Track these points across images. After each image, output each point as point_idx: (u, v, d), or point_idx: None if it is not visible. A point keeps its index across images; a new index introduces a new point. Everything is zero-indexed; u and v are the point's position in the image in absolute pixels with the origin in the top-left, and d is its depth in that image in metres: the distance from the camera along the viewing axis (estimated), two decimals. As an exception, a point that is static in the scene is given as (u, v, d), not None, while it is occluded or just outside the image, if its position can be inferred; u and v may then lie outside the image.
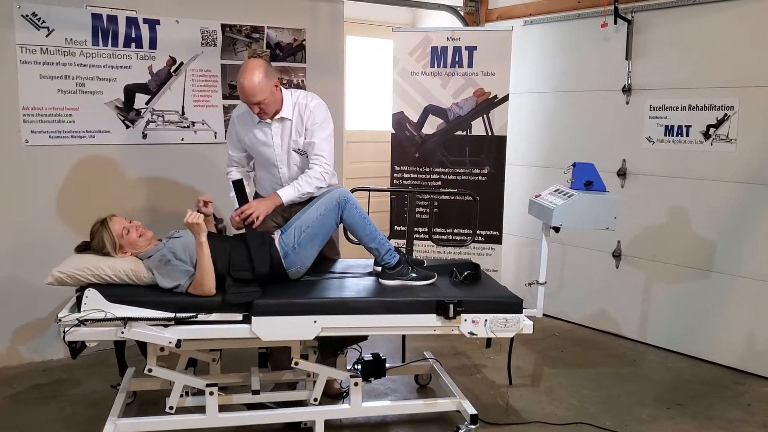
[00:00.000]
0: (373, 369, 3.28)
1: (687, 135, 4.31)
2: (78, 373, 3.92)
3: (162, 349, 2.97)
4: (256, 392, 3.19)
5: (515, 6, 5.31)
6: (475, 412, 3.16)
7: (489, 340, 3.15)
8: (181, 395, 3.08)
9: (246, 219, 3.10)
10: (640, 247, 4.63)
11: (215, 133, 4.57)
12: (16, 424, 3.33)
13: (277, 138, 3.31)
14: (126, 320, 2.79)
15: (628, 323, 4.72)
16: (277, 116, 3.26)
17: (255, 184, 3.56)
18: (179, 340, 2.83)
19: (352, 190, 3.36)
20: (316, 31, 4.87)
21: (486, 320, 3.03)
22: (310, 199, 3.27)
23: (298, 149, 3.32)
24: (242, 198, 3.18)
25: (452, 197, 4.86)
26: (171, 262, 2.95)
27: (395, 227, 4.62)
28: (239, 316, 2.90)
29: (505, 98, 4.86)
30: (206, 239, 2.91)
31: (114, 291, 2.86)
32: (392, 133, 5.03)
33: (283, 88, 3.31)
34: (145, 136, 4.33)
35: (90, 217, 3.12)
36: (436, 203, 4.87)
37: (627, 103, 4.61)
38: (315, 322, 2.92)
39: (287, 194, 3.20)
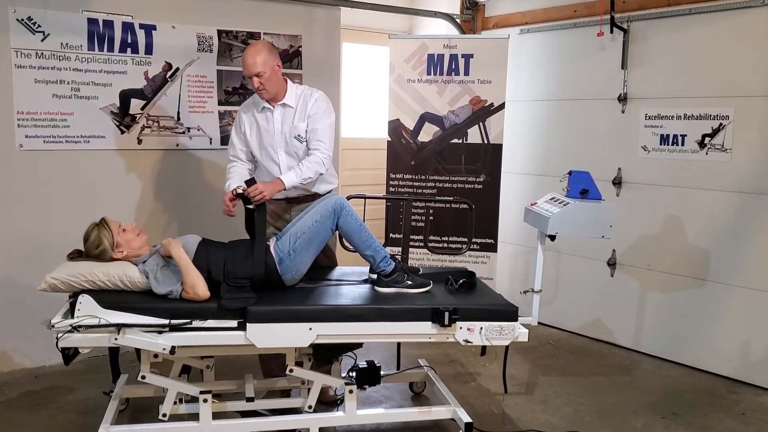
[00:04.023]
0: (368, 376, 3.27)
1: (682, 144, 4.32)
2: (70, 379, 3.89)
3: (156, 355, 2.95)
4: (250, 399, 3.18)
5: (512, 14, 5.33)
6: (470, 420, 3.15)
7: (484, 347, 3.15)
8: (175, 402, 3.06)
9: (253, 197, 3.07)
10: (635, 255, 4.63)
11: (210, 138, 4.56)
12: (7, 431, 3.30)
13: (278, 124, 3.39)
14: (120, 326, 2.77)
15: (622, 332, 4.72)
16: (280, 102, 3.36)
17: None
18: (173, 347, 2.81)
19: (348, 198, 3.36)
20: (312, 37, 4.87)
21: (481, 328, 3.03)
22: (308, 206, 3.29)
23: (299, 135, 3.38)
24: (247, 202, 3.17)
25: (448, 205, 4.85)
26: (165, 268, 2.94)
27: (391, 235, 4.60)
28: (234, 323, 2.88)
29: (501, 106, 4.87)
30: (179, 250, 2.94)
31: (108, 297, 2.85)
32: (388, 141, 5.03)
33: (289, 81, 3.43)
34: (140, 141, 4.31)
35: (84, 222, 3.11)
36: (431, 211, 4.87)
37: (623, 111, 4.63)
38: (310, 329, 2.91)
39: (289, 179, 3.24)
